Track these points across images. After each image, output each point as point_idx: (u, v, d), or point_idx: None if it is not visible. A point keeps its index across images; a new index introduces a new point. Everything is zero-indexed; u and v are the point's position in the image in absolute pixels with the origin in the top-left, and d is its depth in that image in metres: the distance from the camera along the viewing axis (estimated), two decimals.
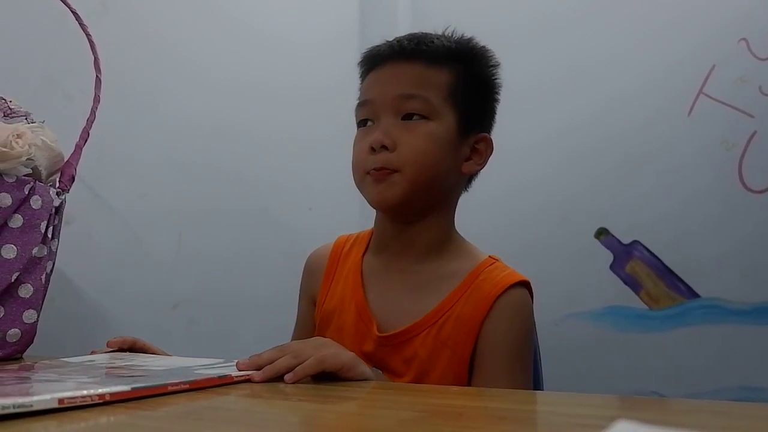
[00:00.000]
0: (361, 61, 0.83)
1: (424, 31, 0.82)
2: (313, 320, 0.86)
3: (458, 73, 0.78)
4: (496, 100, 0.83)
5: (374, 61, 0.80)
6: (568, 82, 1.54)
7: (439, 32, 0.82)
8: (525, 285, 0.76)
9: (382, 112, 0.76)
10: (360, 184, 0.78)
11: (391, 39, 0.81)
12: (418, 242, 0.79)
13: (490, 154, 0.81)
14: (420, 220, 0.79)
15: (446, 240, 0.80)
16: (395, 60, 0.78)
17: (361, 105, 0.79)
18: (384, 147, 0.74)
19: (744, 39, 1.37)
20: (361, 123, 0.80)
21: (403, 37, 0.80)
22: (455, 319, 0.74)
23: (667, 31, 1.44)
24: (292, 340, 0.88)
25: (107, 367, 0.63)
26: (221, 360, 0.67)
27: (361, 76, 0.83)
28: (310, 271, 0.89)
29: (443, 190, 0.79)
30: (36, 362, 0.71)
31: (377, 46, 0.82)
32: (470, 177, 0.83)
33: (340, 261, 0.85)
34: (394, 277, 0.80)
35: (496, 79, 0.83)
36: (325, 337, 0.73)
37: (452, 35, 0.81)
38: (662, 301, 1.41)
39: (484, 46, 0.82)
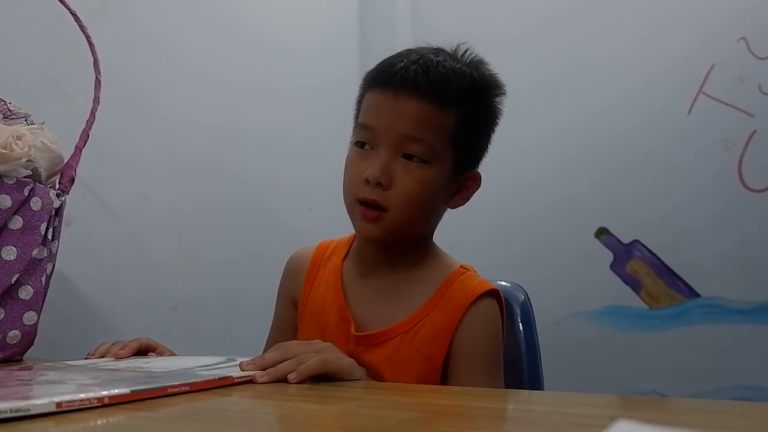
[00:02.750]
0: (371, 74, 0.79)
1: (436, 48, 0.78)
2: (292, 321, 0.87)
3: (466, 112, 0.75)
4: (493, 133, 0.82)
5: (384, 82, 0.75)
6: (568, 84, 1.54)
7: (453, 51, 0.78)
8: (494, 294, 0.79)
9: (382, 143, 0.74)
10: (350, 210, 0.78)
11: (405, 55, 0.76)
12: (397, 258, 0.81)
13: (477, 189, 0.82)
14: (402, 245, 0.80)
15: (424, 252, 0.83)
16: (407, 92, 0.73)
17: (363, 127, 0.76)
18: (379, 183, 0.73)
19: (743, 38, 1.37)
20: (359, 143, 0.77)
21: (420, 63, 0.74)
22: (429, 327, 0.76)
23: (666, 31, 1.45)
24: (268, 341, 0.89)
25: (108, 369, 0.63)
26: (224, 359, 0.67)
27: (363, 88, 0.80)
28: (291, 273, 0.89)
29: (429, 225, 0.82)
30: (36, 364, 0.71)
31: (391, 63, 0.76)
32: None
33: (322, 264, 0.86)
34: (370, 282, 0.82)
35: (498, 111, 0.80)
36: (309, 338, 0.74)
37: (463, 55, 0.78)
38: (662, 301, 1.41)
39: (493, 75, 0.79)
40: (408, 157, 0.74)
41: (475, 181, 0.81)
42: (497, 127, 0.81)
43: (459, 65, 0.77)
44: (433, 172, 0.74)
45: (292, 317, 0.87)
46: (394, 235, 0.76)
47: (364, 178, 0.74)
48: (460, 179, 0.79)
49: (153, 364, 0.67)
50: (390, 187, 0.73)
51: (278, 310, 0.91)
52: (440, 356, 0.75)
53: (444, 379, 0.76)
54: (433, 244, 0.85)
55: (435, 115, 0.73)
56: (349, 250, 0.86)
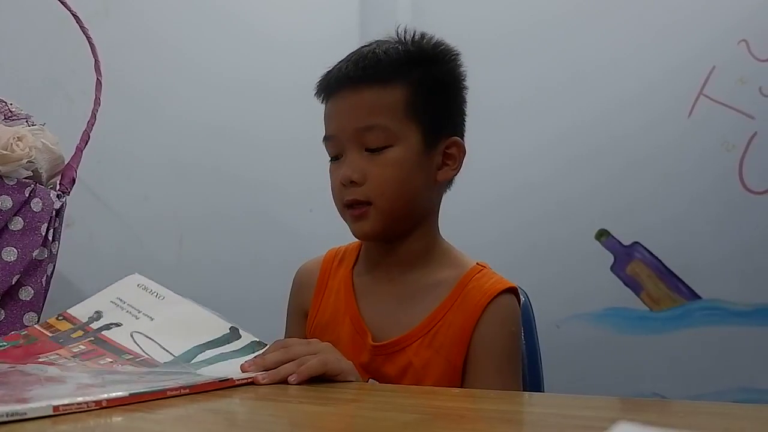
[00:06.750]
0: (317, 92, 0.81)
1: (378, 40, 0.79)
2: (303, 334, 0.86)
3: (414, 82, 0.75)
4: (461, 96, 0.80)
5: (328, 90, 0.79)
6: (569, 85, 1.54)
7: (398, 35, 0.79)
8: (512, 291, 0.77)
9: (346, 145, 0.76)
10: (342, 215, 0.79)
11: (343, 59, 0.79)
12: (405, 255, 0.80)
13: (464, 156, 0.79)
14: (405, 237, 0.79)
15: (432, 248, 0.81)
16: (346, 89, 0.76)
17: (326, 140, 0.79)
18: (353, 182, 0.75)
19: (744, 40, 1.37)
20: (332, 158, 0.80)
21: (352, 59, 0.77)
22: (447, 327, 0.75)
23: (667, 33, 1.45)
24: None
25: (107, 362, 0.62)
26: (227, 328, 0.69)
27: (322, 102, 0.82)
28: (300, 286, 0.88)
29: (421, 207, 0.79)
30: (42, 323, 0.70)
31: (329, 71, 0.79)
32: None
33: (330, 275, 0.85)
34: (383, 288, 0.80)
35: (457, 74, 0.79)
36: None
37: (405, 37, 0.78)
38: (663, 303, 1.40)
39: (437, 42, 0.78)
40: (371, 149, 0.75)
41: (459, 147, 0.79)
42: (464, 90, 0.80)
43: (393, 45, 0.77)
44: (400, 150, 0.74)
45: (304, 330, 0.85)
46: (387, 225, 0.75)
47: (339, 183, 0.76)
48: (439, 149, 0.77)
49: (157, 333, 0.67)
50: (365, 182, 0.74)
51: (289, 324, 0.89)
52: (460, 357, 0.74)
53: (462, 379, 0.74)
54: (445, 241, 0.83)
55: (377, 97, 0.74)
56: (357, 256, 0.85)
